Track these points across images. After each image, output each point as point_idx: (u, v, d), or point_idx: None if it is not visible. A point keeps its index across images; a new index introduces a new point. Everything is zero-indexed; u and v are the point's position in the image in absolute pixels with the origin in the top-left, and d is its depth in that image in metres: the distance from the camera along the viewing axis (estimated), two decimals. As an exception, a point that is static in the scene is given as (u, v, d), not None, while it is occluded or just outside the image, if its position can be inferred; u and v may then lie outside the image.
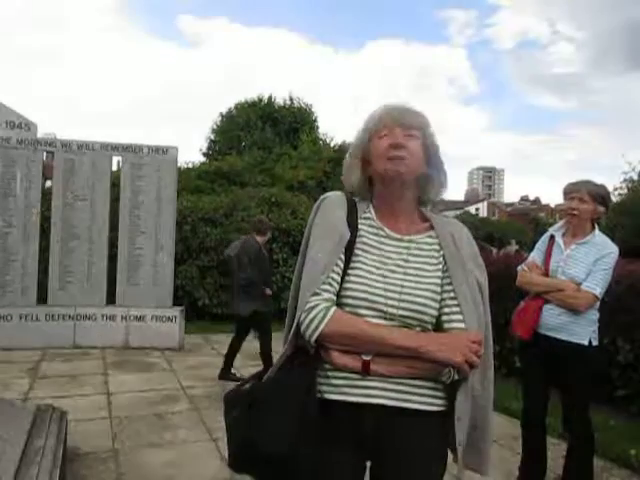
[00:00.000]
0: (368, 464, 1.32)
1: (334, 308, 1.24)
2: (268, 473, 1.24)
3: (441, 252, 1.34)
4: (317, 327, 1.22)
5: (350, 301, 1.27)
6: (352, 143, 1.43)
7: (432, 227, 1.38)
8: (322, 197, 1.42)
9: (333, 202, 1.39)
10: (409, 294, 1.26)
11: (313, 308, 1.24)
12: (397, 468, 1.27)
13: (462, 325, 1.26)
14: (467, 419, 1.30)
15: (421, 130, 1.34)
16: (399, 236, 1.35)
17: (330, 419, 1.24)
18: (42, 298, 6.18)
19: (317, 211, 1.39)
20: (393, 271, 1.30)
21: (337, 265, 1.29)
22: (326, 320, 1.22)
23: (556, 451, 3.12)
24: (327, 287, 1.26)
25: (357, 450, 1.28)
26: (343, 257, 1.30)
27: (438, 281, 1.31)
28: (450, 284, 1.31)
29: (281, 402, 1.23)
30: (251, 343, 6.64)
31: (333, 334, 1.22)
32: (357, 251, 1.31)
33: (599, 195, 2.72)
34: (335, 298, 1.27)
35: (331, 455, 1.25)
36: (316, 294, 1.25)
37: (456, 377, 1.24)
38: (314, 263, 1.30)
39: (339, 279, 1.28)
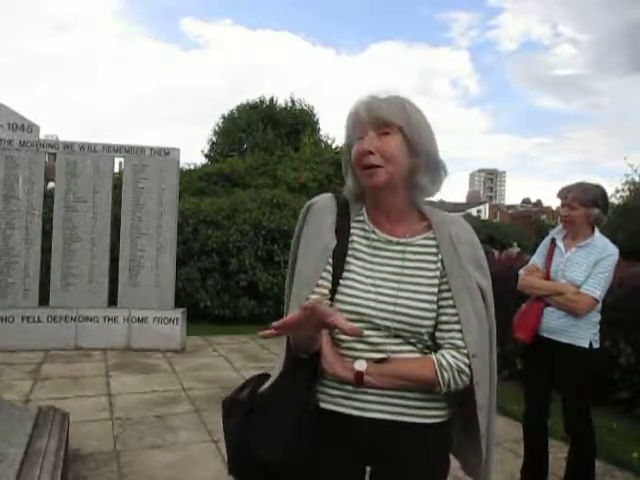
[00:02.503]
0: (368, 469, 1.26)
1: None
2: None
3: (439, 255, 1.22)
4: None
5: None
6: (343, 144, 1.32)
7: (431, 227, 1.25)
8: (309, 203, 1.30)
9: (321, 208, 1.27)
10: (404, 305, 1.17)
11: None
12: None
13: (460, 335, 1.17)
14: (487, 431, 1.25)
15: (400, 122, 1.17)
16: (394, 239, 1.24)
17: (326, 428, 1.19)
18: (44, 300, 6.18)
19: (304, 218, 1.29)
20: (386, 279, 1.20)
21: (322, 278, 1.20)
22: None
23: (558, 454, 3.11)
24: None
25: (355, 458, 1.23)
26: (330, 267, 1.21)
27: (435, 289, 1.20)
28: (449, 290, 1.19)
29: (277, 409, 1.18)
30: (251, 345, 6.65)
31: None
32: (349, 259, 1.22)
33: (588, 199, 2.70)
34: None
35: (328, 463, 1.21)
36: None
37: (447, 389, 1.18)
38: (298, 278, 1.25)
39: (327, 291, 1.19)
